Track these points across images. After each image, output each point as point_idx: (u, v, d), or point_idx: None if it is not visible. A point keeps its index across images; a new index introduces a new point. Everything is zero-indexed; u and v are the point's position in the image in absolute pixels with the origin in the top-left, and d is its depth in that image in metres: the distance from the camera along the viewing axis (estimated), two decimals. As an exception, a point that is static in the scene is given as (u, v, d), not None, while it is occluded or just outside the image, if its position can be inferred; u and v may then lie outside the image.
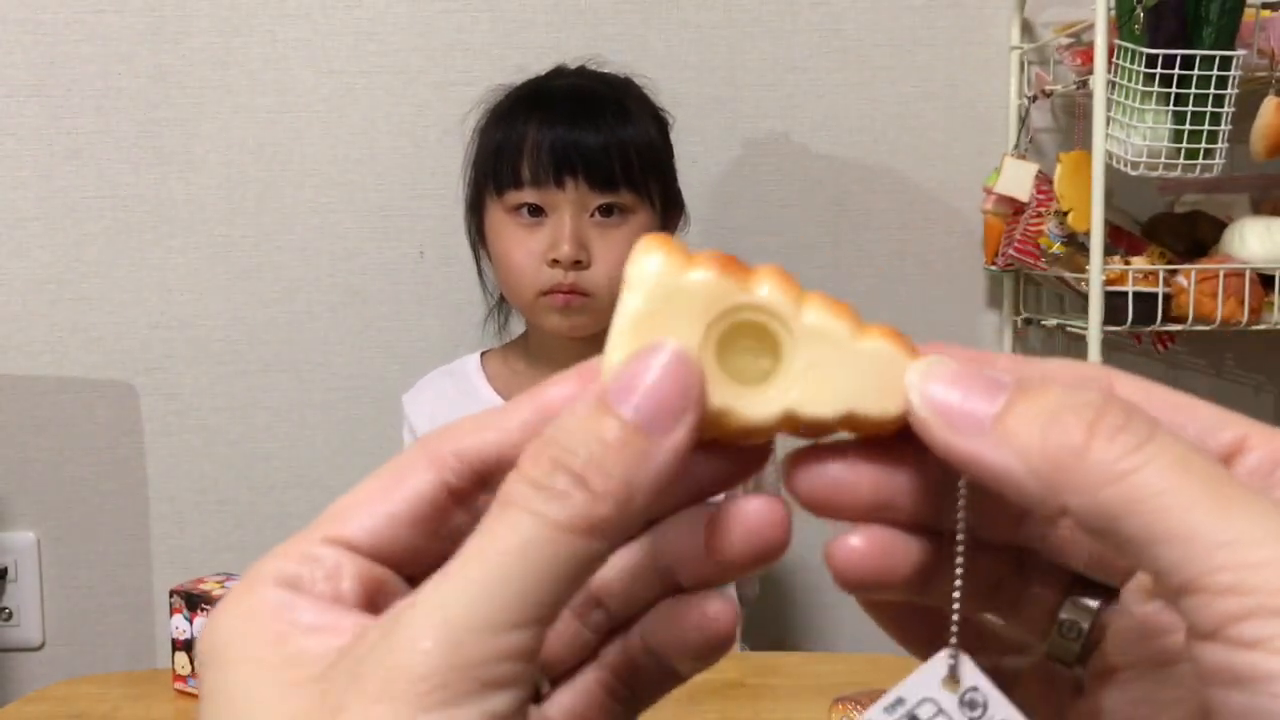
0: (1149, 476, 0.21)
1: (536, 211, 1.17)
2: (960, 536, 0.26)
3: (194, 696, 1.06)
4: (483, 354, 1.32)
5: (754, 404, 0.25)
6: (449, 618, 0.21)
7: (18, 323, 1.55)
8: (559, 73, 1.27)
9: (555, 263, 1.15)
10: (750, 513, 0.26)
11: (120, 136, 1.53)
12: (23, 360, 1.56)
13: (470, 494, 0.26)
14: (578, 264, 1.15)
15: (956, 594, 0.26)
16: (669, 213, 1.26)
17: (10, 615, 1.59)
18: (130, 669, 1.53)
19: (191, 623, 1.06)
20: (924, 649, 0.28)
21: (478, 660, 0.21)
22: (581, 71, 1.27)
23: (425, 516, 0.25)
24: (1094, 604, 0.27)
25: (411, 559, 0.25)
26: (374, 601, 0.25)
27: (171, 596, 1.08)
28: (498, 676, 0.21)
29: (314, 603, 0.24)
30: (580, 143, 1.15)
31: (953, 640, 0.27)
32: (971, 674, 0.26)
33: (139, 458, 1.58)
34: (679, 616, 0.27)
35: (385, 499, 0.25)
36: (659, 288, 0.25)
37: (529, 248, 1.16)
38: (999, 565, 0.28)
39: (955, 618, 0.27)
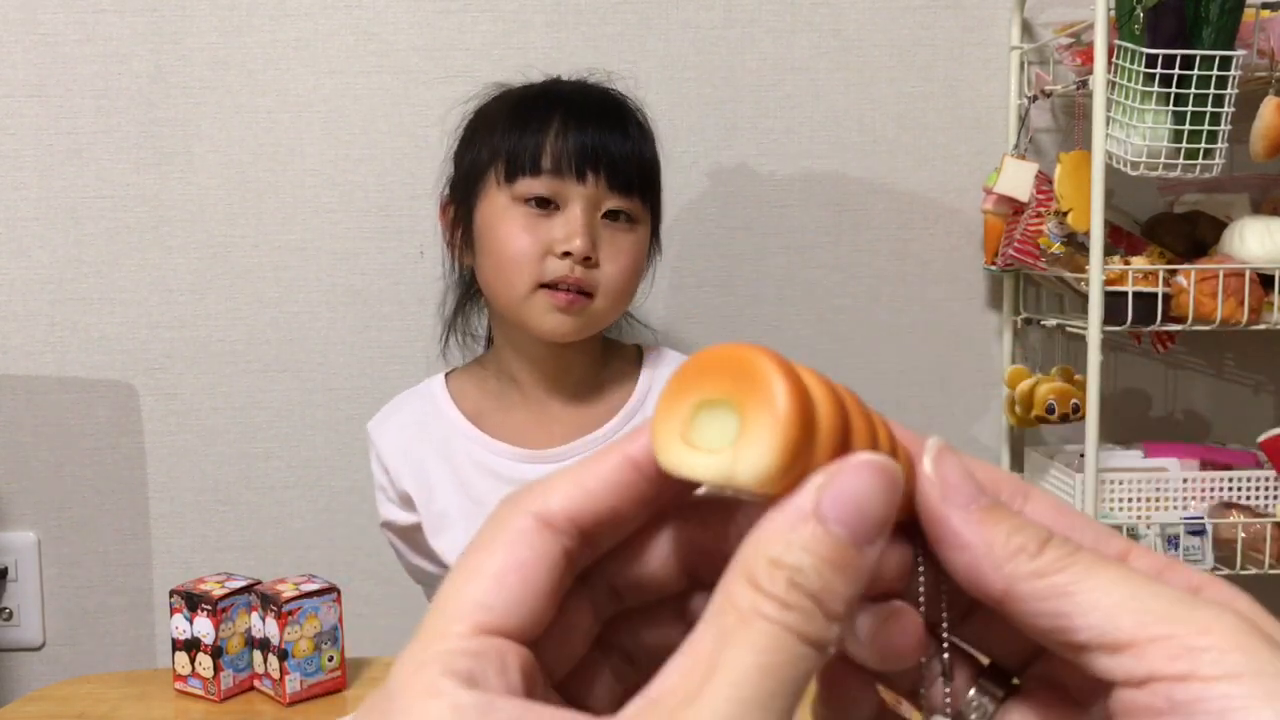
0: (1079, 570, 0.27)
1: (546, 203, 1.14)
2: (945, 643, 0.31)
3: (194, 696, 1.06)
4: (447, 374, 1.28)
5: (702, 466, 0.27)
6: None
7: (18, 323, 1.55)
8: (561, 80, 1.25)
9: (565, 255, 1.13)
10: None
11: (120, 136, 1.53)
12: (23, 360, 1.56)
13: (580, 554, 0.27)
14: (587, 260, 1.14)
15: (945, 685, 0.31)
16: (653, 240, 1.25)
17: (10, 615, 1.59)
18: (130, 669, 1.53)
19: (192, 623, 1.06)
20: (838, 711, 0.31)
21: None
22: (588, 82, 1.24)
23: (556, 585, 0.26)
24: (1000, 692, 0.32)
25: (538, 629, 0.26)
26: (530, 691, 0.25)
27: (171, 596, 1.08)
28: None
29: (505, 701, 0.24)
30: (608, 144, 1.15)
31: None
32: None
33: (139, 458, 1.58)
34: None
35: (520, 575, 0.26)
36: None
37: (537, 236, 1.14)
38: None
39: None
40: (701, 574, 0.29)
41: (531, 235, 1.14)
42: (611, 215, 1.16)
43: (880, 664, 0.29)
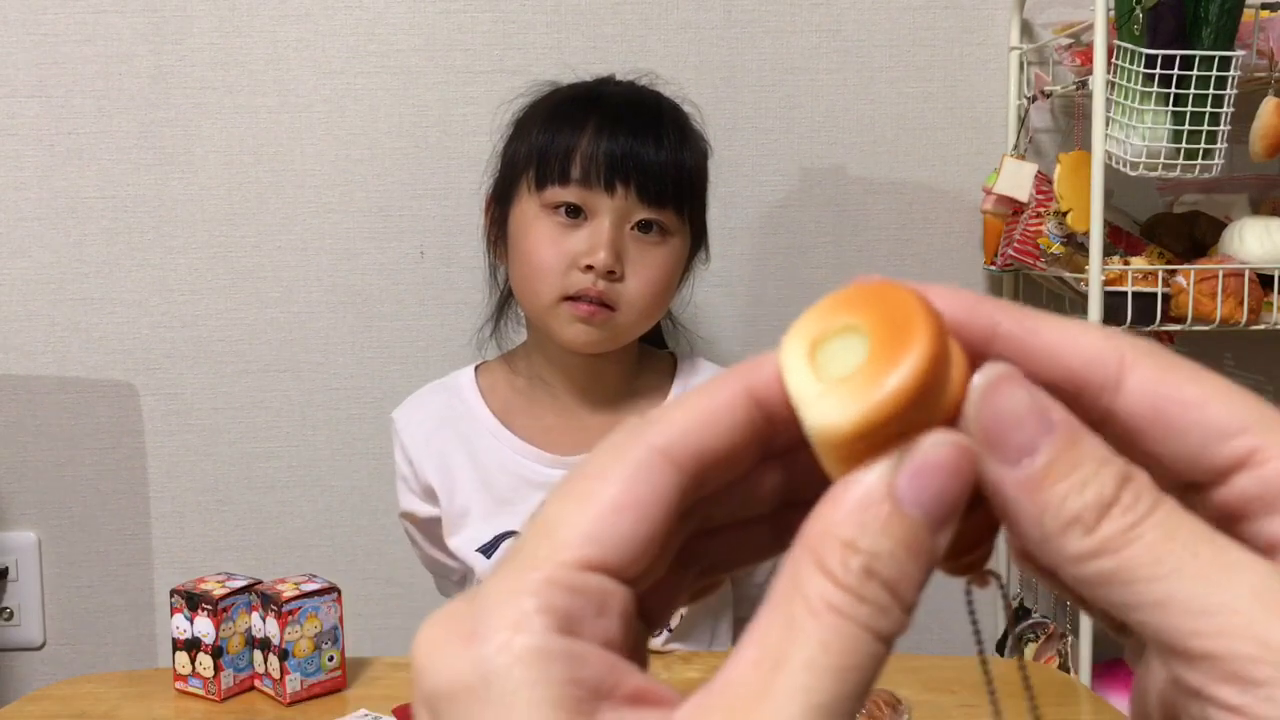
0: (1138, 551, 0.22)
1: (575, 212, 1.12)
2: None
3: (195, 696, 1.06)
4: (477, 367, 1.27)
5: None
6: None
7: (18, 323, 1.55)
8: (610, 81, 1.23)
9: (589, 268, 1.11)
10: None
11: (120, 136, 1.53)
12: (23, 360, 1.56)
13: (692, 493, 0.24)
14: (610, 274, 1.11)
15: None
16: (695, 245, 1.22)
17: (11, 615, 1.59)
18: (130, 669, 1.53)
19: (192, 622, 1.06)
20: None
21: None
22: (635, 85, 1.22)
23: (667, 527, 0.24)
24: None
25: (642, 572, 0.24)
26: (626, 638, 0.23)
27: (172, 596, 1.08)
28: None
29: (597, 655, 0.22)
30: (640, 153, 1.12)
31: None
32: None
33: (139, 458, 1.58)
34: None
35: (637, 512, 0.23)
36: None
37: (563, 248, 1.12)
38: None
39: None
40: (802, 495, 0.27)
41: (556, 248, 1.12)
42: (643, 226, 1.13)
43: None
